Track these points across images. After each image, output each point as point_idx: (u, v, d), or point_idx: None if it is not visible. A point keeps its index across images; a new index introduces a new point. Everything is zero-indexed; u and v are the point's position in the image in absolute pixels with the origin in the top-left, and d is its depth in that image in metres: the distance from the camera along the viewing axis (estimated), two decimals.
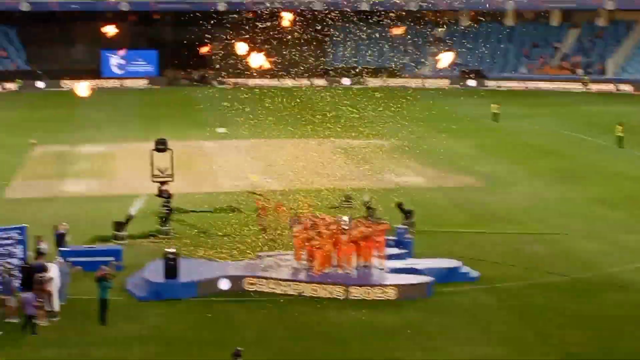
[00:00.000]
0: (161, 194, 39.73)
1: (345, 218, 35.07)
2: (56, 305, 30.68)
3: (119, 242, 38.81)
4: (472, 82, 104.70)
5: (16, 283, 30.87)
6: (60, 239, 36.20)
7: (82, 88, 37.20)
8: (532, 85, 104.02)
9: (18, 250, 32.51)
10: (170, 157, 40.51)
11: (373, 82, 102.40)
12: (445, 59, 44.91)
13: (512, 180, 53.67)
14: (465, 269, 35.19)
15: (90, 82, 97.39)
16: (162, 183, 39.75)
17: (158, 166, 40.31)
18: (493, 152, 63.33)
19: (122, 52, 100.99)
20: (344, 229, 34.33)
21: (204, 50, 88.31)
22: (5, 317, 30.01)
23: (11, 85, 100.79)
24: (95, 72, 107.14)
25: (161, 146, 40.50)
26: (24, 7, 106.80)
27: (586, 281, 34.94)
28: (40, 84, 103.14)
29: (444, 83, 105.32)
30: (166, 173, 39.87)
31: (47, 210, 45.17)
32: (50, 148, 64.50)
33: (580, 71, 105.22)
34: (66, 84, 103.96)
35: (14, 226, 33.54)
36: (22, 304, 29.70)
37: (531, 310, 31.75)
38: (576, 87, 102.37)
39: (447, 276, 34.36)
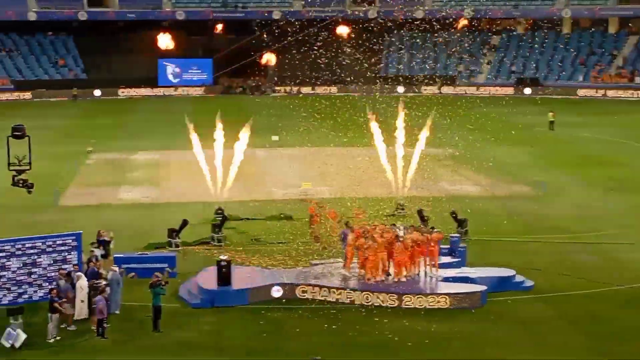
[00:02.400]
0: (16, 183, 37.10)
1: (400, 226, 34.95)
2: (83, 313, 30.94)
3: (172, 249, 39.09)
4: (527, 90, 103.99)
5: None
6: (103, 247, 36.36)
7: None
8: (588, 93, 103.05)
9: (73, 257, 32.86)
10: (27, 144, 35.97)
11: (427, 89, 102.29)
12: None
13: (567, 189, 53.14)
14: (519, 278, 34.91)
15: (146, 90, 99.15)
16: (19, 172, 37.33)
17: (16, 154, 37.42)
18: (548, 160, 62.76)
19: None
20: (398, 236, 34.22)
21: (265, 60, 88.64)
22: (62, 323, 30.34)
23: (68, 94, 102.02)
24: (151, 80, 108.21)
25: (18, 132, 37.80)
26: (82, 16, 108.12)
27: None
28: (97, 92, 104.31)
29: (499, 91, 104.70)
30: (23, 162, 37.24)
31: (102, 217, 45.62)
32: (106, 156, 65.17)
33: (638, 79, 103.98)
34: (123, 92, 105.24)
35: (69, 233, 33.91)
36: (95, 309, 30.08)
37: (585, 319, 31.40)
38: (634, 95, 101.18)
39: (500, 285, 34.13)
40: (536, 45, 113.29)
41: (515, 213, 47.07)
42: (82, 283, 31.01)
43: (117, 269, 32.88)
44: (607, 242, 41.28)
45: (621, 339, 29.69)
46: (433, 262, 34.55)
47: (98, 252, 34.67)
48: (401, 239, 34.14)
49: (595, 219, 45.99)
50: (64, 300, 30.11)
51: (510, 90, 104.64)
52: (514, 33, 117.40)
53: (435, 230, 35.95)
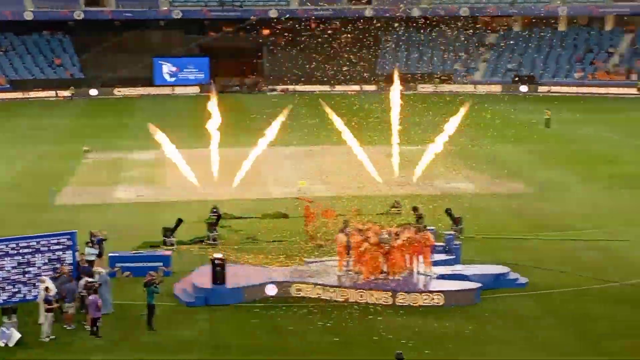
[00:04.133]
0: None
1: (385, 235, 34.53)
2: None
3: (167, 248, 39.08)
4: (524, 88, 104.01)
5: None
6: (98, 246, 36.23)
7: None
8: (585, 90, 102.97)
9: (67, 256, 32.81)
10: None
11: (424, 88, 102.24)
12: None
13: (565, 187, 53.14)
14: (513, 275, 34.92)
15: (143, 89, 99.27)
16: None
17: None
18: (545, 158, 62.75)
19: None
20: (381, 241, 33.97)
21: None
22: (64, 324, 30.32)
23: (65, 93, 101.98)
24: (147, 80, 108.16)
25: None
26: (78, 15, 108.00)
27: (639, 289, 34.46)
28: (93, 92, 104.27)
29: (496, 89, 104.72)
30: None
31: (98, 216, 45.60)
32: (102, 155, 65.14)
33: (634, 76, 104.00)
34: (119, 91, 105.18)
35: (63, 232, 33.87)
36: (87, 307, 30.00)
37: (580, 318, 31.35)
38: (630, 92, 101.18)
39: (495, 282, 34.14)
40: (532, 43, 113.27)
41: (513, 211, 47.02)
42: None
43: (103, 270, 32.77)
44: (605, 239, 41.19)
45: (614, 336, 29.65)
46: (427, 260, 34.50)
47: (91, 251, 34.67)
48: (387, 246, 33.92)
49: (597, 216, 45.94)
50: (55, 302, 30.03)
51: (506, 88, 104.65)
52: (511, 31, 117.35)
53: (428, 228, 35.93)
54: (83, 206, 48.83)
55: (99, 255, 35.10)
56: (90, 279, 31.14)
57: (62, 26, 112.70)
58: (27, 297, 32.02)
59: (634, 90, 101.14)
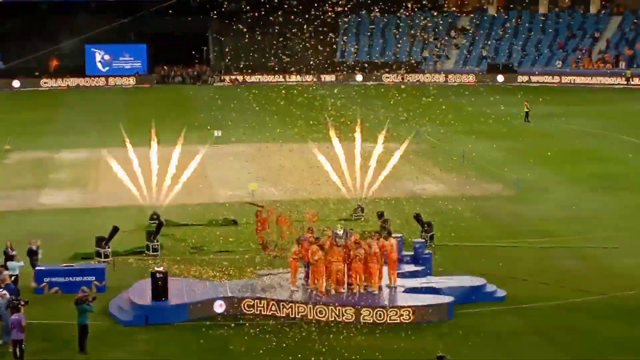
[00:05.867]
0: None
1: (339, 231, 34.63)
2: None
3: (101, 260, 38.88)
4: (500, 78, 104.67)
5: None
6: (29, 257, 36.10)
7: None
8: (568, 80, 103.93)
9: None
10: None
11: (389, 78, 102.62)
12: None
13: (545, 188, 53.57)
14: (490, 287, 35.13)
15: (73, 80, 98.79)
16: None
17: None
18: (524, 156, 63.17)
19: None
20: (336, 242, 34.06)
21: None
22: None
23: None
24: (78, 69, 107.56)
25: None
26: None
27: (627, 301, 34.78)
28: (15, 83, 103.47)
29: (469, 79, 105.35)
30: None
31: (22, 224, 45.28)
32: (27, 155, 64.70)
33: (622, 64, 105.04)
34: (45, 82, 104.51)
35: None
36: (10, 327, 29.67)
37: (564, 334, 31.60)
38: (618, 82, 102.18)
39: (470, 296, 34.33)
40: (510, 28, 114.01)
41: (489, 215, 47.35)
42: None
43: (7, 293, 32.30)
44: (589, 247, 41.60)
45: (601, 353, 29.93)
46: (393, 272, 34.58)
47: (16, 264, 34.42)
48: (341, 244, 34.00)
49: (579, 220, 46.35)
50: None
51: (481, 78, 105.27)
52: (485, 14, 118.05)
53: (394, 236, 36.00)
54: (5, 213, 48.46)
55: (34, 267, 35.02)
56: (15, 298, 30.85)
57: None
58: None
59: (622, 80, 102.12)
